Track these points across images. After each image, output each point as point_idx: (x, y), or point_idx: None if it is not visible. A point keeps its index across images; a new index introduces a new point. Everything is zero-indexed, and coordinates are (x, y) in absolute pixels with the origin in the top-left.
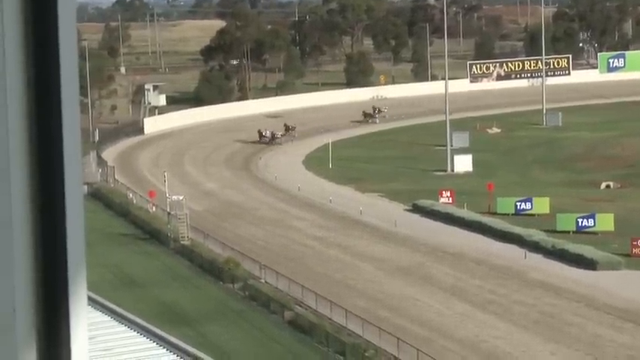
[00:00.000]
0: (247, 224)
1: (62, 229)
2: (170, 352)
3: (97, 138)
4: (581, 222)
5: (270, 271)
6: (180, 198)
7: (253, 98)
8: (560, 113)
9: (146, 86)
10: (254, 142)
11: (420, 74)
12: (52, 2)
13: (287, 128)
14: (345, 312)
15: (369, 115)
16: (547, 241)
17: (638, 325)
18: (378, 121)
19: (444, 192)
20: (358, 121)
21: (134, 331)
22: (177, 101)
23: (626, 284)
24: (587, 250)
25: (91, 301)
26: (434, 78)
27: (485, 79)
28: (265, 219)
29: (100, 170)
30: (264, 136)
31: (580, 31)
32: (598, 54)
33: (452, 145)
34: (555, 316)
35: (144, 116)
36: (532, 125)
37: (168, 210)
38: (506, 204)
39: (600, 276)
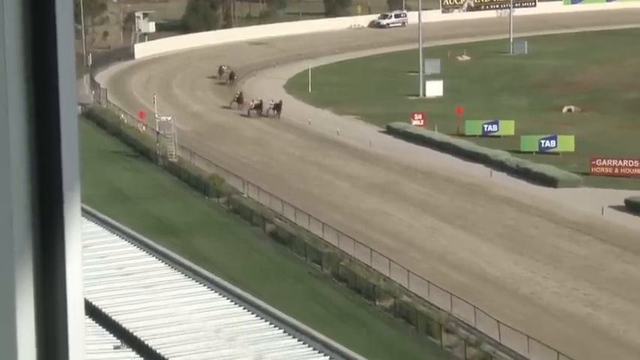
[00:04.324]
0: (231, 143)
1: (57, 145)
2: (159, 260)
3: (90, 62)
4: (544, 143)
5: (253, 186)
6: (169, 118)
7: (238, 26)
8: (526, 42)
9: (136, 14)
10: (238, 67)
11: (395, 5)
12: None
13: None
14: (322, 225)
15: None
16: (511, 160)
17: (595, 238)
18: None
19: (416, 115)
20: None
21: (125, 240)
22: (166, 28)
23: (584, 200)
24: (549, 169)
25: (85, 213)
26: (408, 8)
27: (456, 10)
28: (248, 139)
29: (93, 92)
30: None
31: None
32: None
33: (424, 72)
34: (518, 230)
35: (134, 42)
36: (500, 53)
37: (157, 130)
38: (474, 126)
39: (561, 193)
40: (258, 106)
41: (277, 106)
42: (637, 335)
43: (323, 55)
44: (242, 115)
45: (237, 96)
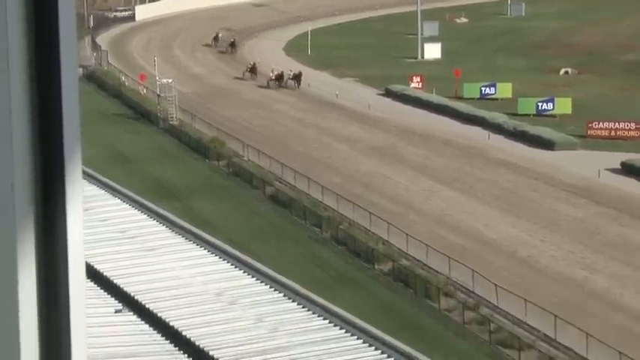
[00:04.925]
0: (232, 106)
1: (58, 108)
2: (161, 223)
3: (91, 24)
4: (541, 105)
5: (253, 149)
6: (170, 81)
7: None
8: (523, 4)
9: None
10: (239, 30)
11: None
12: None
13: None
14: (322, 188)
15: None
16: (509, 123)
17: (591, 201)
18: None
19: (414, 77)
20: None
21: (127, 203)
22: None
23: (581, 163)
24: (546, 132)
25: (86, 176)
26: None
27: None
28: (248, 101)
29: (95, 54)
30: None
31: None
32: None
33: (422, 34)
34: (515, 192)
35: (135, 4)
36: (497, 15)
37: (158, 92)
38: (471, 89)
39: (557, 155)
40: (280, 77)
41: (296, 77)
42: (633, 299)
43: (322, 17)
44: (260, 87)
45: (250, 66)
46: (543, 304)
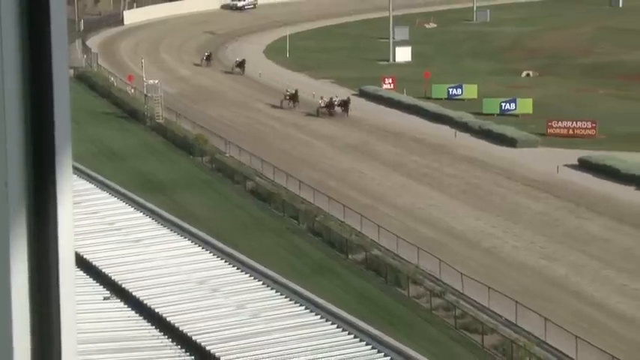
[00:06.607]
0: (215, 106)
1: (50, 107)
2: (146, 215)
3: (82, 27)
4: (505, 106)
5: (235, 146)
6: (156, 82)
7: None
8: (488, 10)
9: None
10: (222, 34)
11: None
12: None
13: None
14: (299, 183)
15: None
16: (474, 122)
17: (551, 195)
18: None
19: (386, 79)
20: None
21: (115, 197)
22: None
23: (541, 160)
24: (509, 130)
25: (77, 171)
26: None
27: None
28: (231, 101)
29: (85, 56)
30: None
31: None
32: None
33: (394, 38)
34: (480, 187)
35: (124, 9)
36: (464, 21)
37: (145, 92)
38: (440, 90)
39: (519, 152)
40: (331, 105)
41: (345, 104)
42: (589, 286)
43: (300, 22)
44: (308, 115)
45: (289, 93)
46: (505, 291)
